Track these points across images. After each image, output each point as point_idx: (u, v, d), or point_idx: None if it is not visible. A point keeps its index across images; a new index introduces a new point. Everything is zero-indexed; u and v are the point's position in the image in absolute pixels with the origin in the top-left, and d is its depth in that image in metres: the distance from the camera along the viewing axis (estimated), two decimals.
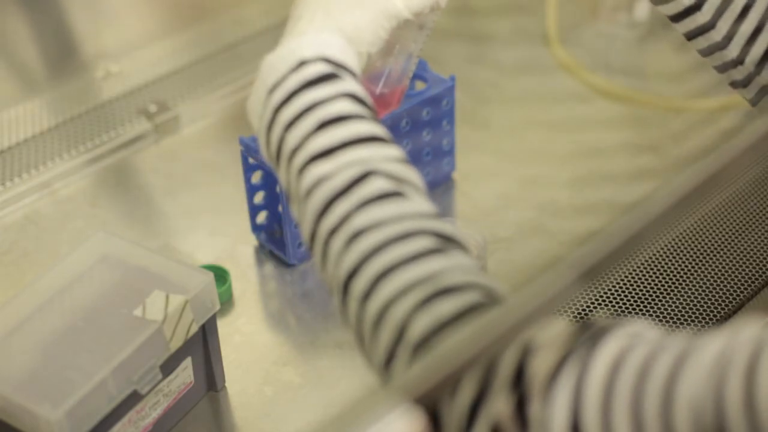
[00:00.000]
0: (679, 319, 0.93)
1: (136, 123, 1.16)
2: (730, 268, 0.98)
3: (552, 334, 0.56)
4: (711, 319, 0.93)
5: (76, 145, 1.13)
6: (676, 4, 0.78)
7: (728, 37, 0.78)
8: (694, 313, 0.94)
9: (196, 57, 1.25)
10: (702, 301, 0.95)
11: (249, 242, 1.04)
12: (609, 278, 0.96)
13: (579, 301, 0.94)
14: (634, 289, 0.96)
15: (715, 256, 0.99)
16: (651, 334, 0.55)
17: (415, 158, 1.05)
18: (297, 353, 0.94)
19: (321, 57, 0.67)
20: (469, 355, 0.53)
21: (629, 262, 0.98)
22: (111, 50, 1.23)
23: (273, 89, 0.67)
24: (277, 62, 0.68)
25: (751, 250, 1.00)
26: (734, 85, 0.82)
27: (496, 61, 1.27)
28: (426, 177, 1.07)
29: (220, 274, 0.97)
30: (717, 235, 1.01)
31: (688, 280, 0.97)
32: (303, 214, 0.65)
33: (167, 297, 0.82)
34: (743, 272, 0.97)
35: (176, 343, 0.82)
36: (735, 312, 0.94)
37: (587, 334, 0.55)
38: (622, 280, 0.96)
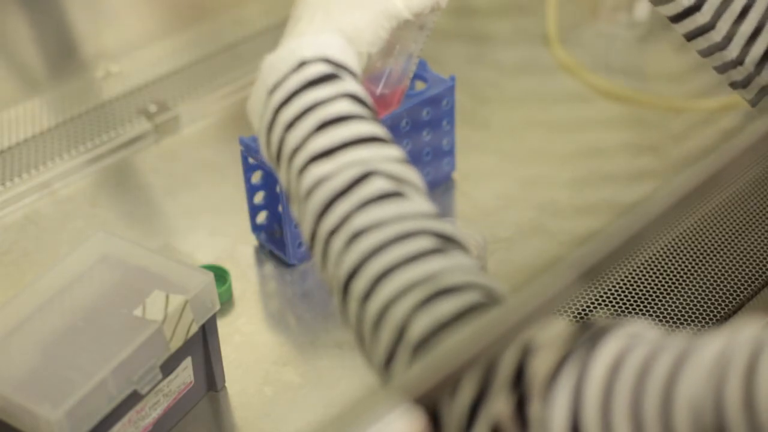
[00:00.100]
0: (679, 319, 0.93)
1: (136, 123, 1.16)
2: (730, 268, 0.98)
3: (552, 334, 0.56)
4: (711, 319, 0.93)
5: (76, 145, 1.13)
6: (676, 4, 0.78)
7: (728, 38, 0.78)
8: (694, 313, 0.94)
9: (196, 57, 1.25)
10: (702, 301, 0.95)
11: (249, 242, 1.04)
12: (609, 278, 0.96)
13: (579, 301, 0.94)
14: (634, 289, 0.96)
15: (715, 256, 0.99)
16: (651, 335, 0.55)
17: (415, 158, 1.05)
18: (297, 353, 0.94)
19: (321, 57, 0.67)
20: (469, 355, 0.53)
21: (629, 262, 0.98)
22: (111, 50, 1.23)
23: (273, 89, 0.67)
24: (277, 62, 0.68)
25: (751, 250, 1.00)
26: (734, 85, 0.82)
27: (496, 61, 1.27)
28: (426, 177, 1.07)
29: (220, 274, 0.97)
30: (717, 235, 1.01)
31: (688, 280, 0.97)
32: (303, 215, 0.65)
33: (167, 297, 0.82)
34: (743, 272, 0.97)
35: (176, 343, 0.82)
36: (735, 312, 0.94)
37: (587, 335, 0.55)
38: (622, 280, 0.96)
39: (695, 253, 0.99)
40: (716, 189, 0.59)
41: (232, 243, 1.04)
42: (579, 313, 0.93)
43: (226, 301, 0.97)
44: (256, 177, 1.00)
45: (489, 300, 0.59)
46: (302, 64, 0.67)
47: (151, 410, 0.83)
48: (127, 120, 1.16)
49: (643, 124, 1.18)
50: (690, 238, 1.01)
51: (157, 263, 0.85)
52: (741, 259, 0.99)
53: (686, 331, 0.92)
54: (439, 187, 1.09)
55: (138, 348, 0.79)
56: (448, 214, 1.07)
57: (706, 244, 1.00)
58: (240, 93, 1.20)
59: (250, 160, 0.98)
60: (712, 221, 1.03)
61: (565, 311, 0.93)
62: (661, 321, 0.93)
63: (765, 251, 0.99)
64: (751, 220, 1.03)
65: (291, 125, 0.66)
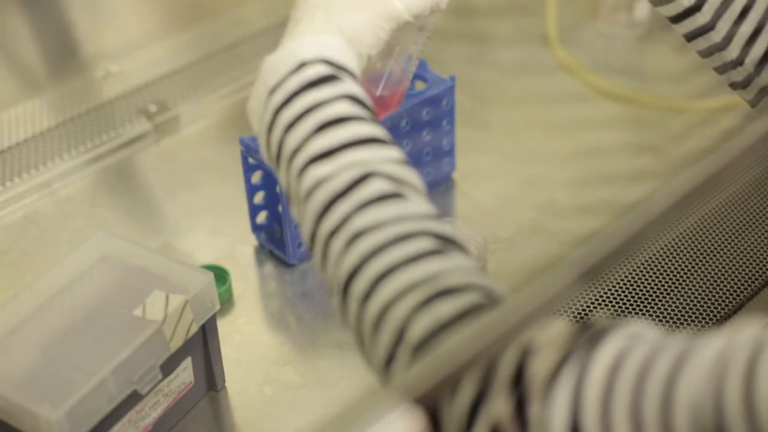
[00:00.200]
0: (679, 319, 0.93)
1: (136, 123, 1.16)
2: (730, 268, 0.98)
3: (552, 334, 0.56)
4: (711, 319, 0.93)
5: (76, 145, 1.13)
6: (676, 5, 0.78)
7: (728, 38, 0.78)
8: (694, 313, 0.94)
9: (196, 57, 1.25)
10: (702, 301, 0.95)
11: (249, 242, 1.04)
12: (609, 278, 0.96)
13: (579, 301, 0.94)
14: (634, 289, 0.96)
15: (715, 256, 0.99)
16: (650, 335, 0.55)
17: (415, 158, 1.05)
18: (297, 353, 0.94)
19: (321, 58, 0.67)
20: (469, 355, 0.53)
21: (629, 262, 0.98)
22: (111, 50, 1.23)
23: (273, 90, 0.67)
24: (277, 64, 0.68)
25: (751, 250, 1.00)
26: (734, 86, 0.82)
27: (496, 62, 1.27)
28: (426, 177, 1.07)
29: (220, 274, 0.97)
30: (717, 235, 1.01)
31: (688, 280, 0.97)
32: (303, 216, 0.65)
33: (167, 297, 0.82)
34: (743, 272, 0.97)
35: (176, 343, 0.82)
36: (735, 312, 0.94)
37: (587, 335, 0.55)
38: (622, 280, 0.96)
39: (695, 253, 0.99)
40: (716, 189, 0.59)
41: (232, 243, 1.04)
42: (579, 313, 0.93)
43: (226, 301, 0.97)
44: (256, 177, 1.00)
45: (489, 301, 0.59)
46: (302, 65, 0.67)
47: (151, 410, 0.83)
48: (127, 120, 1.16)
49: (643, 124, 1.18)
50: (690, 238, 1.01)
51: (157, 263, 0.85)
52: (741, 259, 0.99)
53: (686, 331, 0.92)
54: (439, 187, 1.09)
55: (138, 348, 0.79)
56: (448, 214, 1.07)
57: (706, 244, 1.00)
58: (240, 93, 1.20)
59: (250, 160, 0.98)
60: (712, 221, 1.03)
61: (565, 311, 0.93)
62: (661, 321, 0.93)
63: (765, 251, 0.99)
64: (751, 220, 1.03)
65: (291, 126, 0.66)
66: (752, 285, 0.96)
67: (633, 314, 0.94)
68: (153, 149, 1.15)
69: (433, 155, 1.07)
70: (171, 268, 0.85)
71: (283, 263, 1.01)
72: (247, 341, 0.95)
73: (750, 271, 0.97)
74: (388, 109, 0.80)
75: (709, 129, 1.16)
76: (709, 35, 0.79)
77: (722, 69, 0.81)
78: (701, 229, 1.02)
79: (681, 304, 0.95)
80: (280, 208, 1.00)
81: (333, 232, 0.63)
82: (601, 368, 0.53)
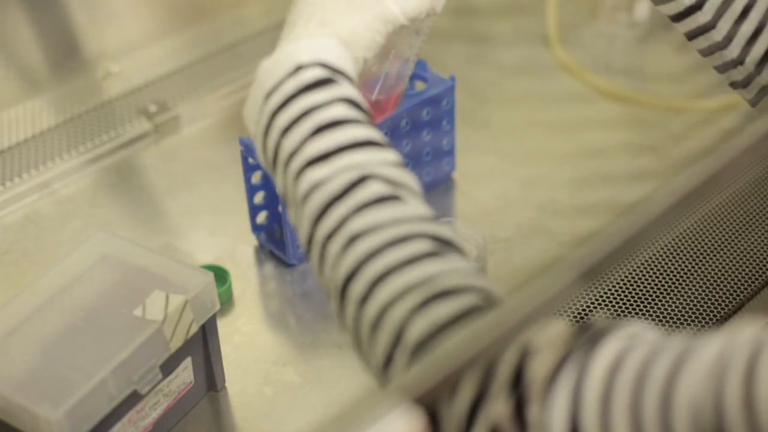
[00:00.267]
0: (679, 319, 0.93)
1: (136, 123, 1.16)
2: (730, 268, 0.98)
3: (551, 335, 0.56)
4: (711, 320, 0.93)
5: (76, 145, 1.13)
6: (677, 3, 0.78)
7: (729, 37, 0.78)
8: (694, 313, 0.94)
9: (196, 57, 1.25)
10: (702, 302, 0.95)
11: (249, 242, 1.04)
12: (608, 279, 0.96)
13: (579, 301, 0.94)
14: (634, 290, 0.96)
15: (715, 256, 0.99)
16: (650, 336, 0.55)
17: (415, 158, 1.05)
18: (297, 353, 0.94)
19: (318, 62, 0.67)
20: (470, 355, 0.53)
21: (629, 263, 0.98)
22: (111, 50, 1.23)
23: (270, 94, 0.67)
24: (273, 67, 0.68)
25: (751, 250, 1.00)
26: (734, 85, 0.82)
27: (496, 62, 1.27)
28: (426, 177, 1.07)
29: (220, 274, 0.97)
30: (717, 235, 1.01)
31: (688, 280, 0.97)
32: (300, 219, 0.65)
33: (167, 297, 0.82)
34: (743, 272, 0.97)
35: (176, 343, 0.82)
36: (735, 312, 0.94)
37: (586, 336, 0.55)
38: (622, 280, 0.96)
39: (695, 253, 0.99)
40: (716, 189, 0.59)
41: (232, 243, 1.04)
42: (579, 314, 0.93)
43: (226, 301, 0.97)
44: (256, 177, 1.00)
45: (487, 303, 0.59)
46: (298, 69, 0.67)
47: (151, 410, 0.83)
48: (127, 120, 1.16)
49: (643, 124, 1.18)
50: (690, 238, 1.01)
51: (157, 263, 0.85)
52: (741, 259, 0.99)
53: (686, 331, 0.92)
54: (439, 187, 1.09)
55: (138, 348, 0.79)
56: (448, 214, 1.07)
57: (706, 244, 1.00)
58: (240, 93, 1.20)
59: (250, 160, 0.98)
60: (712, 221, 1.03)
61: (565, 312, 0.93)
62: (660, 321, 0.93)
63: (765, 251, 0.99)
64: (751, 220, 1.03)
65: (287, 129, 0.66)
66: (752, 285, 0.96)
67: (633, 314, 0.94)
68: (153, 149, 1.15)
69: (433, 155, 1.07)
70: (171, 268, 0.85)
71: (283, 263, 1.01)
72: (247, 341, 0.95)
73: (750, 271, 0.97)
74: (384, 112, 0.80)
75: (709, 129, 1.16)
76: (710, 34, 0.79)
77: (723, 68, 0.81)
78: (701, 229, 1.02)
79: (681, 304, 0.95)
80: (280, 208, 1.00)
81: (330, 235, 0.63)
82: (600, 369, 0.53)
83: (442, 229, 0.62)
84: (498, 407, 0.55)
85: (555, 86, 1.23)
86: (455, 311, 0.58)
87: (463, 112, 1.11)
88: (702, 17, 0.78)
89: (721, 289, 0.96)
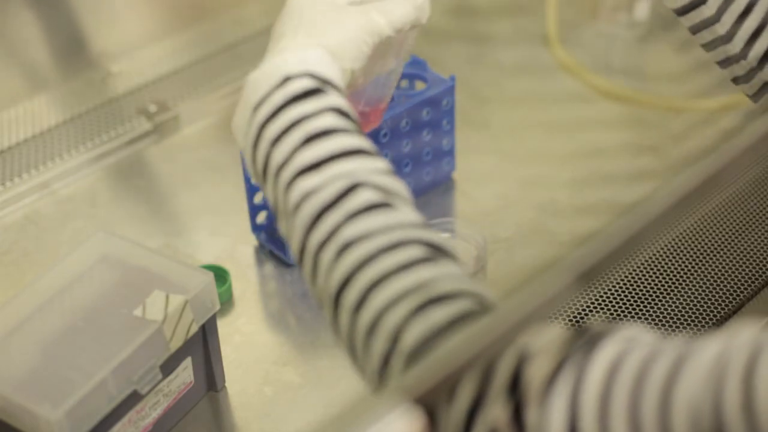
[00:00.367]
0: (678, 319, 0.93)
1: (136, 123, 1.16)
2: (730, 268, 0.98)
3: (547, 339, 0.56)
4: (711, 320, 0.93)
5: (76, 144, 1.13)
6: None
7: (732, 32, 0.79)
8: (693, 313, 0.94)
9: (196, 57, 1.25)
10: (701, 302, 0.95)
11: (249, 242, 1.04)
12: (608, 279, 0.96)
13: (578, 302, 0.94)
14: (634, 290, 0.96)
15: (715, 256, 0.99)
16: (647, 338, 0.55)
17: (415, 158, 1.05)
18: (297, 353, 0.94)
19: (306, 72, 0.67)
20: (470, 355, 0.53)
21: (628, 263, 0.98)
22: (111, 50, 1.23)
23: (258, 105, 0.67)
24: (261, 79, 0.68)
25: (751, 250, 1.00)
26: (736, 81, 0.82)
27: (496, 62, 1.27)
28: (426, 177, 1.07)
29: (220, 274, 0.97)
30: (717, 235, 1.01)
31: (687, 281, 0.97)
32: (292, 229, 0.65)
33: (167, 297, 0.82)
34: (743, 272, 0.97)
35: (176, 343, 0.82)
36: (735, 312, 0.94)
37: (583, 340, 0.55)
38: (622, 280, 0.96)
39: (695, 253, 0.99)
40: (716, 189, 0.59)
41: (232, 243, 1.04)
42: (577, 315, 0.93)
43: (226, 301, 0.97)
44: None
45: (481, 308, 0.59)
46: (287, 80, 0.67)
47: (151, 410, 0.83)
48: (127, 120, 1.16)
49: (643, 124, 1.18)
50: (690, 238, 1.01)
51: (157, 263, 0.85)
52: (741, 259, 0.99)
53: (686, 331, 0.92)
54: (439, 187, 1.09)
55: (138, 348, 0.79)
56: (448, 214, 1.07)
57: (706, 244, 1.00)
58: (240, 93, 1.20)
59: None
60: (712, 221, 1.03)
61: (564, 312, 0.93)
62: (660, 322, 0.93)
63: (765, 251, 0.99)
64: (751, 220, 1.03)
65: (277, 140, 0.66)
66: (752, 285, 0.96)
67: (632, 315, 0.94)
68: (153, 149, 1.15)
69: (433, 155, 1.07)
70: (171, 268, 0.85)
71: (283, 263, 1.02)
72: (247, 341, 0.95)
73: (750, 271, 0.97)
74: (370, 124, 0.80)
75: (709, 129, 1.16)
76: (713, 28, 0.79)
77: (725, 63, 0.81)
78: (701, 229, 1.02)
79: (680, 304, 0.95)
80: None
81: (323, 244, 0.63)
82: (598, 372, 0.53)
83: (434, 236, 0.62)
84: (496, 411, 0.55)
85: (555, 86, 1.23)
86: (451, 316, 0.58)
87: (463, 112, 1.11)
88: (707, 11, 0.79)
89: (720, 290, 0.96)
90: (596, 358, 0.54)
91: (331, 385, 0.91)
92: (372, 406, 0.51)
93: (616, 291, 0.96)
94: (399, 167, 1.04)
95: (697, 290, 0.96)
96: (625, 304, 0.94)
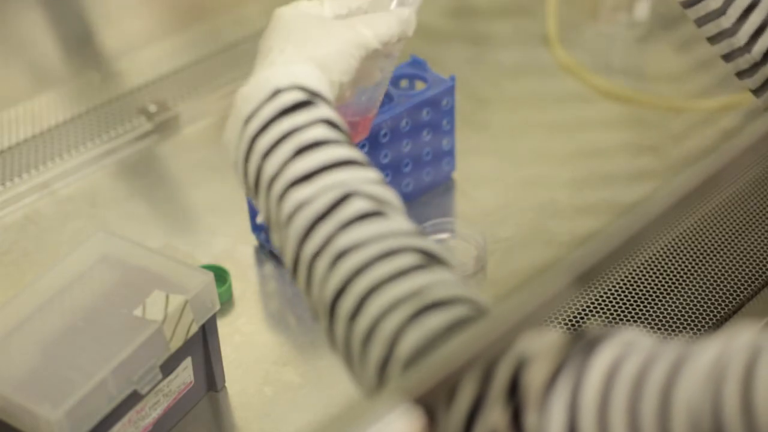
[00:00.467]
0: (678, 320, 0.93)
1: (137, 123, 1.16)
2: (730, 268, 0.98)
3: (545, 344, 0.56)
4: (711, 320, 0.93)
5: (76, 144, 1.13)
6: None
7: (738, 25, 0.80)
8: (693, 313, 0.94)
9: (196, 57, 1.25)
10: (701, 302, 0.95)
11: (249, 242, 1.04)
12: (607, 280, 0.96)
13: (577, 303, 0.94)
14: (634, 290, 0.96)
15: (715, 256, 0.99)
16: (645, 342, 0.55)
17: (415, 158, 1.05)
18: (297, 353, 0.94)
19: (295, 85, 0.67)
20: (470, 355, 0.53)
21: (628, 264, 0.98)
22: (111, 50, 1.23)
23: (249, 119, 0.67)
24: (251, 93, 0.68)
25: (751, 250, 1.00)
26: (740, 75, 0.83)
27: (496, 62, 1.27)
28: (426, 177, 1.07)
29: (220, 274, 0.97)
30: (717, 235, 1.01)
31: (687, 281, 0.97)
32: (285, 240, 0.65)
33: (167, 297, 0.82)
34: (743, 272, 0.97)
35: (176, 343, 0.82)
36: (735, 312, 0.94)
37: (581, 344, 0.55)
38: (621, 281, 0.96)
39: (695, 253, 0.99)
40: (716, 189, 0.59)
41: (232, 243, 1.04)
42: (577, 315, 0.93)
43: (226, 301, 0.97)
44: None
45: (477, 314, 0.59)
46: (276, 93, 0.67)
47: (151, 410, 0.83)
48: (127, 120, 1.16)
49: (643, 124, 1.18)
50: (690, 238, 1.01)
51: (157, 263, 0.85)
52: (741, 259, 0.99)
53: (686, 332, 0.92)
54: (439, 187, 1.09)
55: (138, 348, 0.79)
56: (448, 214, 1.07)
57: (706, 244, 1.00)
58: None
59: None
60: (712, 221, 1.03)
61: (563, 313, 0.93)
62: (660, 322, 0.93)
63: (765, 251, 0.99)
64: (751, 220, 1.03)
65: (268, 153, 0.66)
66: (752, 285, 0.96)
67: (632, 315, 0.94)
68: (153, 149, 1.15)
69: (433, 155, 1.07)
70: (171, 268, 0.85)
71: (283, 263, 1.01)
72: (247, 341, 0.95)
73: (750, 271, 0.97)
74: (359, 135, 0.81)
75: (709, 129, 1.16)
76: (719, 21, 0.80)
77: (730, 57, 0.82)
78: (701, 229, 1.02)
79: (680, 305, 0.95)
80: None
81: (316, 254, 0.63)
82: (597, 376, 0.53)
83: (427, 243, 0.63)
84: (496, 415, 0.55)
85: (555, 86, 1.23)
86: (447, 322, 0.58)
87: (463, 112, 1.11)
88: (713, 3, 0.80)
89: (720, 290, 0.96)
90: (595, 362, 0.54)
91: (331, 385, 0.91)
92: (372, 406, 0.51)
93: (616, 291, 0.96)
94: (399, 167, 1.04)
95: (696, 291, 0.96)
96: (624, 304, 0.94)
